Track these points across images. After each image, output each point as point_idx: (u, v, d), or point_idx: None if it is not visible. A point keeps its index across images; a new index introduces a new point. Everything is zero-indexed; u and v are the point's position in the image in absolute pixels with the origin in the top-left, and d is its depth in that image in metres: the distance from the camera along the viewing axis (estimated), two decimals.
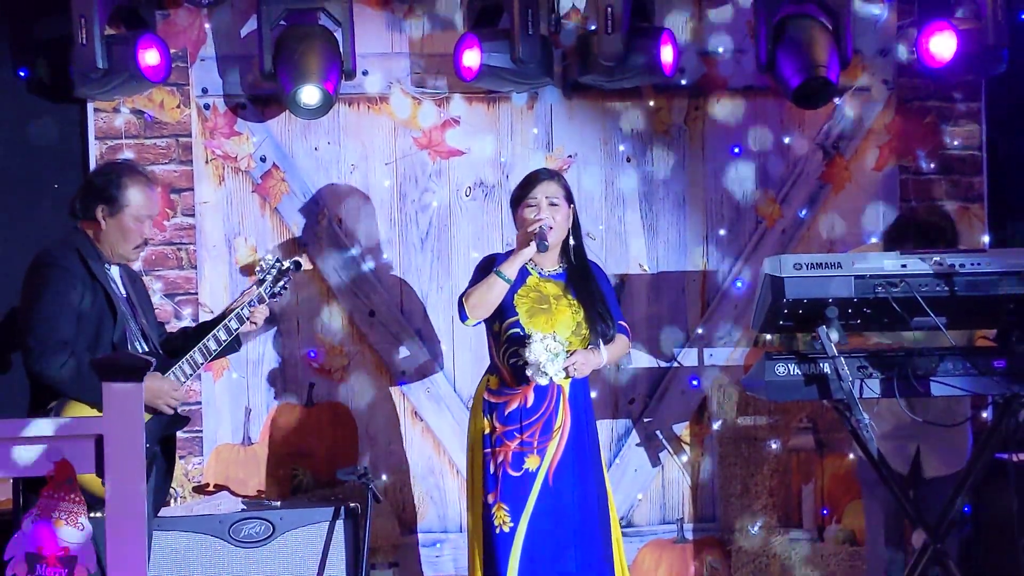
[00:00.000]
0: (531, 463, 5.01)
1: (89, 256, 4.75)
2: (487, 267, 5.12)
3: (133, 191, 4.81)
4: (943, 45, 5.80)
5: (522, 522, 4.97)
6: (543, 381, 4.91)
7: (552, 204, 5.08)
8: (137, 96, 5.80)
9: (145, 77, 5.57)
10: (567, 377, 4.99)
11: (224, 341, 4.97)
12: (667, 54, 5.77)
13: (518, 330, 5.02)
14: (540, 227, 5.01)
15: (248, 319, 5.03)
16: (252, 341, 5.87)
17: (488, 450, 5.03)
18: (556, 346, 4.90)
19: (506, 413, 5.04)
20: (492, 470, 5.01)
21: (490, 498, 4.99)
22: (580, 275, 5.15)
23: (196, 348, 4.90)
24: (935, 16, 5.84)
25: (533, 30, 5.64)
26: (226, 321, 4.98)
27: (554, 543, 4.97)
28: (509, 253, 5.17)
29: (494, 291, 5.00)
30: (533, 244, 5.01)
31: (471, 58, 5.71)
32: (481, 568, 5.02)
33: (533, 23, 5.63)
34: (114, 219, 4.79)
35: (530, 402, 5.03)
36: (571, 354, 4.97)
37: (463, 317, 5.05)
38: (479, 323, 5.11)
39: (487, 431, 5.05)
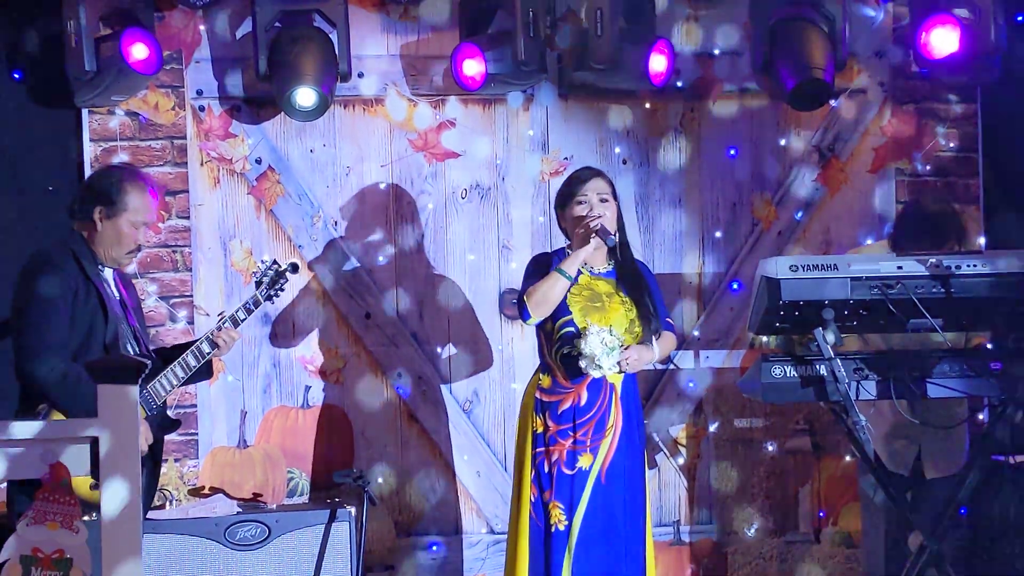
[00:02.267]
0: (584, 461, 5.00)
1: (84, 257, 4.75)
2: (540, 266, 5.12)
3: (133, 196, 4.81)
4: (944, 39, 5.76)
5: (575, 520, 4.97)
6: (596, 374, 4.92)
7: (603, 200, 5.08)
8: (132, 98, 5.79)
9: (134, 71, 5.50)
10: (620, 372, 4.99)
11: (193, 367, 4.90)
12: (659, 63, 5.75)
13: (571, 329, 5.02)
14: (600, 224, 5.00)
15: (219, 341, 4.91)
16: (248, 344, 5.87)
17: (541, 449, 5.03)
18: (612, 340, 4.91)
19: (559, 412, 5.03)
20: (547, 469, 5.01)
21: (545, 496, 5.00)
22: (630, 273, 5.15)
23: (169, 368, 4.85)
24: (936, 11, 5.81)
25: (534, 32, 5.63)
26: (198, 344, 4.93)
27: (604, 541, 4.98)
28: (559, 251, 5.18)
29: (556, 289, 5.00)
30: (592, 241, 5.00)
31: (473, 67, 5.69)
32: (528, 567, 4.99)
33: (534, 25, 5.63)
34: (110, 222, 4.79)
35: (583, 400, 5.02)
36: (625, 349, 4.98)
37: (526, 316, 5.03)
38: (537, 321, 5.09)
39: (539, 430, 5.04)
